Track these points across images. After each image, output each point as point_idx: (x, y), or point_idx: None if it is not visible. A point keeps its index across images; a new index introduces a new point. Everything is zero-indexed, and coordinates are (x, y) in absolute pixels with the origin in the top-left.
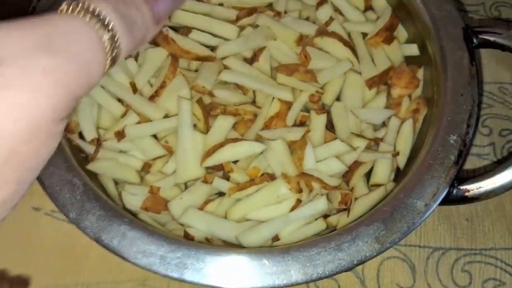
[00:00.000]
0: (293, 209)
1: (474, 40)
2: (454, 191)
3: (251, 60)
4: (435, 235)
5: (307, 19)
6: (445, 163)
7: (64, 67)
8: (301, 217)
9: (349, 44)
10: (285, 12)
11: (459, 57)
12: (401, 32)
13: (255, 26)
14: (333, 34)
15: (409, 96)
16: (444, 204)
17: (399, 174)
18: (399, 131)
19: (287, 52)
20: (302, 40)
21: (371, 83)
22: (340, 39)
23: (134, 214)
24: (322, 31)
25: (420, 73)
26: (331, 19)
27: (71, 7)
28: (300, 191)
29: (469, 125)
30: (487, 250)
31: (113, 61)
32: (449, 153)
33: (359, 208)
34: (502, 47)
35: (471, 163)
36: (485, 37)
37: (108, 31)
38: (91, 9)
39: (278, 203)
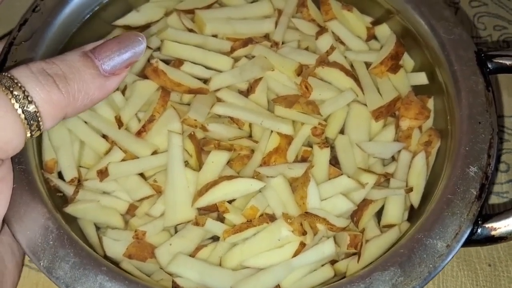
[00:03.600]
0: (296, 254)
1: (489, 65)
2: (479, 230)
3: (247, 93)
4: (455, 283)
5: (306, 49)
6: (466, 198)
7: None
8: (306, 263)
9: (351, 74)
10: (283, 43)
11: (473, 83)
12: (408, 61)
13: (250, 57)
14: (335, 64)
15: (420, 127)
16: (468, 245)
17: (413, 214)
18: (410, 165)
19: (286, 83)
20: (302, 70)
21: (378, 114)
22: (342, 68)
23: (116, 263)
24: (323, 61)
25: (431, 103)
26: (332, 48)
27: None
28: (303, 233)
29: (490, 156)
30: None
31: (30, 117)
32: (470, 187)
33: (370, 252)
34: None
35: (489, 202)
36: (501, 61)
37: (14, 89)
38: (4, 74)
39: (279, 248)
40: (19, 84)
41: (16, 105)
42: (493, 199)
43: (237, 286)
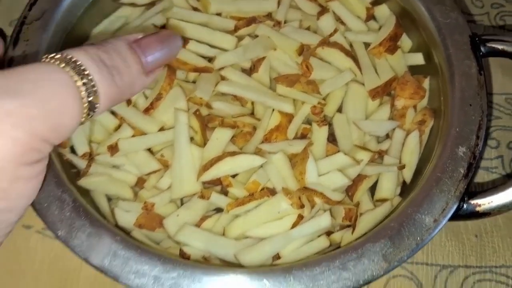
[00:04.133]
0: (294, 225)
1: (482, 49)
2: (464, 206)
3: (250, 71)
4: (443, 252)
5: (307, 29)
6: (454, 177)
7: (29, 110)
8: (303, 234)
9: (351, 54)
10: (285, 22)
11: (466, 66)
12: (405, 41)
13: (254, 36)
14: (335, 44)
15: (414, 107)
16: (454, 219)
17: (405, 189)
18: (404, 143)
19: (287, 63)
20: (303, 50)
21: (374, 93)
22: (342, 49)
23: (127, 232)
24: (324, 41)
25: (426, 83)
26: (335, 30)
27: (49, 56)
28: (301, 206)
29: (479, 137)
30: (498, 268)
31: (91, 107)
32: (458, 166)
33: (364, 224)
34: (511, 56)
35: (479, 177)
36: (493, 45)
37: (83, 77)
38: (68, 57)
39: (279, 219)
40: (86, 72)
41: (84, 94)
42: (483, 174)
43: (239, 254)
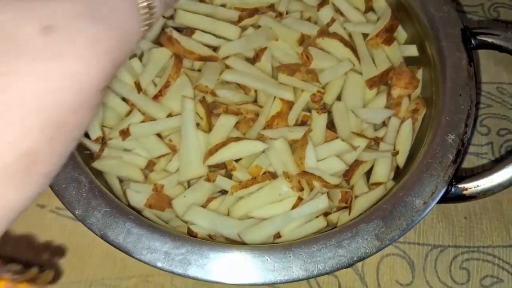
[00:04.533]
0: (294, 207)
1: (472, 41)
2: (452, 190)
3: (253, 60)
4: (434, 232)
5: (308, 19)
6: (444, 162)
7: (110, 35)
8: (302, 214)
9: (350, 45)
10: (287, 13)
11: (457, 58)
12: (401, 33)
13: (257, 26)
14: (334, 35)
15: (409, 96)
16: (443, 202)
17: (398, 173)
18: (398, 130)
19: (288, 52)
20: (303, 40)
21: (372, 83)
22: (341, 39)
23: (138, 212)
24: (324, 32)
25: (419, 74)
26: (332, 20)
27: None
28: (301, 189)
29: (467, 125)
30: (485, 248)
31: (149, 26)
32: (447, 152)
33: (359, 206)
34: (500, 48)
35: (469, 162)
36: (483, 38)
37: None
38: None
39: (280, 201)
40: None
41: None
42: (473, 160)
43: (243, 232)
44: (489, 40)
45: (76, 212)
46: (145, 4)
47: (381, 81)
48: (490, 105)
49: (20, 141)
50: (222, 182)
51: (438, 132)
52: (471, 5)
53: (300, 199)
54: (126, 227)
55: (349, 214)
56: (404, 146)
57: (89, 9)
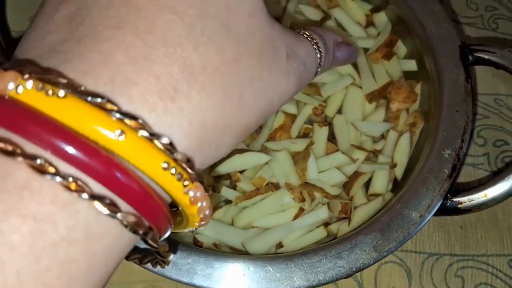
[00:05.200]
0: (296, 217)
1: (470, 58)
2: (448, 203)
3: None
4: (430, 241)
5: None
6: (440, 176)
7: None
8: (304, 225)
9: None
10: (291, 27)
11: (455, 74)
12: (401, 47)
13: None
14: None
15: (407, 110)
16: (438, 215)
17: (396, 185)
18: (396, 143)
19: None
20: None
21: (371, 97)
22: None
23: None
24: None
25: (418, 88)
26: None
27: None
28: (302, 200)
29: (463, 140)
30: (479, 256)
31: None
32: (443, 167)
33: (358, 216)
34: (496, 65)
35: (466, 172)
36: (480, 55)
37: (319, 52)
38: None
39: (282, 212)
40: (320, 49)
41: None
42: (470, 170)
43: (246, 242)
44: (486, 57)
45: None
46: (319, 55)
47: (380, 95)
48: (487, 116)
49: None
50: (227, 192)
51: (435, 146)
52: (470, 16)
53: (301, 209)
54: None
55: (348, 224)
56: (402, 158)
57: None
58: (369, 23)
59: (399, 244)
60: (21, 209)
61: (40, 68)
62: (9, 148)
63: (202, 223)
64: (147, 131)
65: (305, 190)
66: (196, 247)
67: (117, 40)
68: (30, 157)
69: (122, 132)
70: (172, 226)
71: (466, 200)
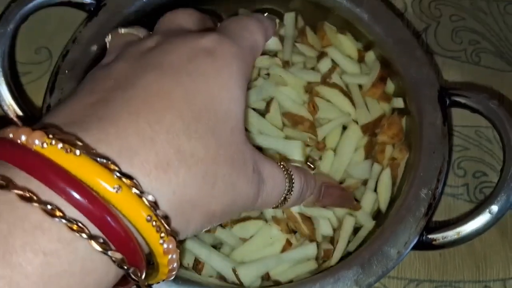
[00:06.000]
0: (284, 249)
1: (447, 101)
2: (423, 239)
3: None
4: (411, 268)
5: (312, 69)
6: (416, 215)
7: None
8: (292, 259)
9: (348, 95)
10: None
11: (433, 117)
12: (389, 85)
13: (264, 76)
14: (335, 85)
15: (393, 145)
16: (414, 249)
17: (380, 216)
18: (379, 178)
19: (296, 100)
20: (310, 88)
21: (365, 129)
22: (341, 90)
23: None
24: (325, 81)
25: (403, 122)
26: (331, 70)
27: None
28: (289, 231)
29: (439, 180)
30: (457, 282)
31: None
32: (420, 206)
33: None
34: (472, 109)
35: (446, 202)
36: (457, 99)
37: (289, 181)
38: (287, 169)
39: (271, 245)
40: (293, 181)
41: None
42: (450, 200)
43: (238, 267)
44: (463, 101)
45: None
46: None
47: (374, 127)
48: (467, 148)
49: None
50: (221, 234)
51: (412, 187)
52: (455, 50)
53: (289, 242)
54: None
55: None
56: (385, 192)
57: (262, 172)
58: (362, 59)
59: (378, 278)
60: (34, 245)
61: (62, 132)
62: (27, 195)
63: (170, 274)
64: (138, 189)
65: (291, 222)
66: (194, 281)
67: (131, 122)
68: (43, 203)
69: (119, 187)
70: (145, 271)
71: (440, 237)
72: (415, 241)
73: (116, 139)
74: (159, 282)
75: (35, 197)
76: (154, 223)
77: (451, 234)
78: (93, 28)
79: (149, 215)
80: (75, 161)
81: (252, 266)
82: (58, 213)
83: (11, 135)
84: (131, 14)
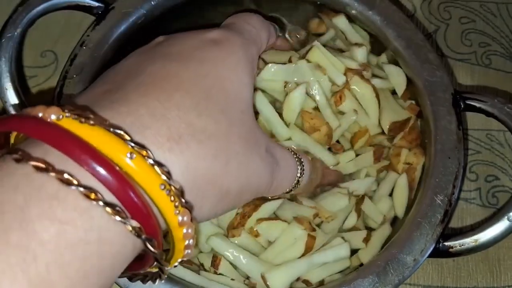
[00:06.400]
0: (308, 246)
1: (462, 104)
2: (440, 246)
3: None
4: (424, 274)
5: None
6: (432, 222)
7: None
8: (324, 261)
9: (377, 95)
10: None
11: (447, 122)
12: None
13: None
14: (368, 81)
15: (409, 149)
16: (430, 257)
17: (397, 222)
18: (395, 184)
19: (325, 89)
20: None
21: (394, 127)
22: (374, 88)
23: None
24: (360, 73)
25: (417, 124)
26: (366, 65)
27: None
28: (313, 229)
29: (455, 186)
30: None
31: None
32: (436, 212)
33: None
34: (487, 113)
35: (458, 207)
36: (472, 103)
37: (301, 166)
38: (298, 156)
39: (294, 245)
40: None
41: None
42: (462, 205)
43: (267, 272)
44: (477, 105)
45: None
46: (300, 168)
47: (400, 129)
48: (479, 152)
49: None
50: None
51: (428, 193)
52: (464, 52)
53: (311, 236)
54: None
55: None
56: (402, 198)
57: (274, 154)
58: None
59: (395, 287)
60: (50, 214)
61: (77, 108)
62: (42, 165)
63: (186, 251)
64: (152, 159)
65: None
66: None
67: (142, 102)
68: (59, 172)
69: (133, 154)
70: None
71: (457, 244)
72: (431, 249)
73: (128, 116)
74: (176, 265)
75: (50, 167)
76: (168, 192)
77: (468, 242)
78: (101, 31)
79: (162, 183)
80: (90, 131)
81: (282, 271)
82: (74, 181)
83: (29, 113)
84: (140, 17)
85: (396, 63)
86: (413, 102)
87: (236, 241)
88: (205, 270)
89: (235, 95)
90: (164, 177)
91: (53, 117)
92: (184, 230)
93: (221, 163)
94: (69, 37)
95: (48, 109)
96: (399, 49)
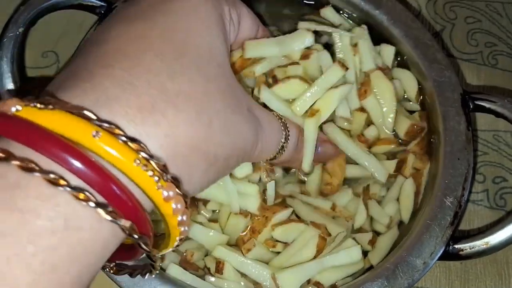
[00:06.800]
0: (319, 247)
1: (471, 105)
2: (450, 249)
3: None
4: (432, 276)
5: None
6: (442, 224)
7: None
8: (335, 264)
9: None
10: None
11: (456, 122)
12: None
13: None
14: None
15: (414, 153)
16: (440, 260)
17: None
18: (401, 188)
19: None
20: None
21: (411, 131)
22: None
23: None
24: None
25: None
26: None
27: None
28: (329, 234)
29: (464, 188)
30: None
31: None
32: (445, 214)
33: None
34: (496, 114)
35: (466, 208)
36: (481, 103)
37: (285, 130)
38: (283, 121)
39: (305, 246)
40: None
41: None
42: (470, 206)
43: (278, 272)
44: (487, 105)
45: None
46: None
47: (417, 134)
48: (486, 153)
49: None
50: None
51: (437, 195)
52: (471, 52)
53: (322, 238)
54: (153, 285)
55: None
56: (407, 203)
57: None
58: None
59: None
60: (11, 203)
61: (37, 96)
62: (2, 155)
63: (182, 228)
64: (123, 135)
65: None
66: None
67: (106, 74)
68: (20, 160)
69: (97, 132)
70: (153, 231)
71: (468, 247)
72: (441, 251)
73: (92, 91)
74: (177, 244)
75: (12, 156)
76: (144, 167)
77: (479, 244)
78: None
79: (136, 159)
80: (50, 115)
81: (293, 272)
82: (36, 168)
83: None
84: None
85: (404, 63)
86: (420, 108)
87: (250, 256)
88: (210, 274)
89: (208, 49)
90: (140, 153)
91: (13, 109)
92: (173, 205)
93: (203, 126)
94: (71, 37)
95: (7, 102)
96: (410, 49)
